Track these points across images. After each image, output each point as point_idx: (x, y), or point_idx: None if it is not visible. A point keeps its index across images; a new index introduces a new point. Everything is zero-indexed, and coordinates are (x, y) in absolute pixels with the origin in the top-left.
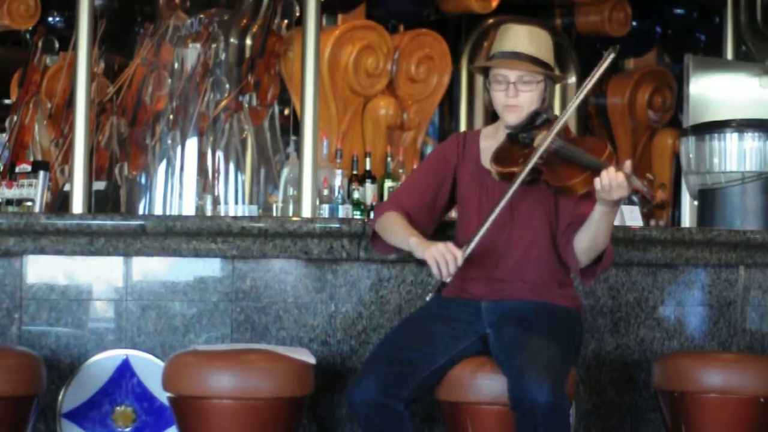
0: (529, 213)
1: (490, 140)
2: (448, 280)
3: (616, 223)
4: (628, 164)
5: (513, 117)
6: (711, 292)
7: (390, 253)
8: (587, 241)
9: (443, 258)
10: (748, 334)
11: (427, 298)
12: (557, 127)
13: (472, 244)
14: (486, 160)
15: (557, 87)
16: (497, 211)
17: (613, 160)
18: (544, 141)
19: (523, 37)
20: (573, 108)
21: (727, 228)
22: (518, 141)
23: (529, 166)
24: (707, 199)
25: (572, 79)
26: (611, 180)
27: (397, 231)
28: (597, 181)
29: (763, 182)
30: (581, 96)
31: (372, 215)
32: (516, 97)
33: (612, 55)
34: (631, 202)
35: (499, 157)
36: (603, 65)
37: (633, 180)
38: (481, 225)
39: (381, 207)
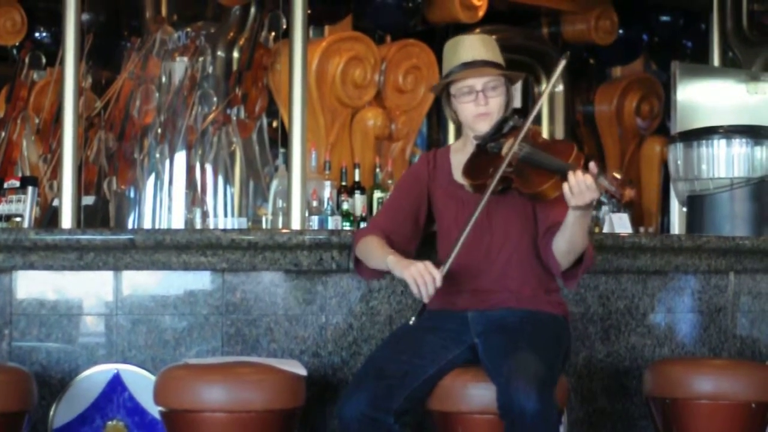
0: (506, 221)
1: (460, 154)
2: (427, 301)
3: (606, 230)
4: (593, 165)
5: (485, 125)
6: (701, 299)
7: (374, 278)
8: (565, 244)
9: (422, 279)
10: (738, 340)
11: (411, 322)
12: (521, 134)
13: (449, 263)
14: (458, 174)
15: (544, 96)
16: (470, 225)
17: (581, 161)
18: (511, 150)
19: (478, 45)
20: (534, 114)
21: (717, 234)
22: (487, 151)
23: (497, 177)
24: (696, 205)
25: (559, 87)
26: (579, 183)
27: (374, 253)
28: (565, 186)
29: (751, 188)
30: (540, 102)
31: (351, 245)
32: (486, 104)
33: (564, 62)
34: (600, 203)
35: (469, 169)
36: (557, 73)
37: (601, 180)
38: (456, 241)
39: (359, 233)
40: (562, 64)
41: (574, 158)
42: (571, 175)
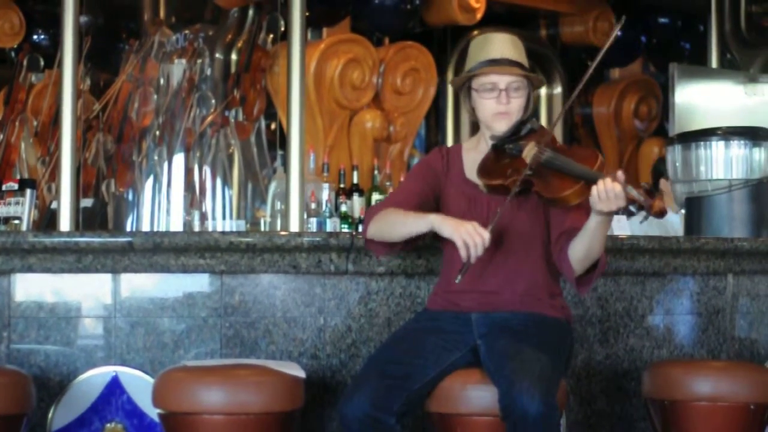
0: (520, 224)
1: (473, 153)
2: (474, 262)
3: None
4: (620, 174)
5: (503, 125)
6: (699, 300)
7: (390, 252)
8: (583, 251)
9: (472, 240)
10: (737, 342)
11: (456, 281)
12: (547, 137)
13: (491, 227)
14: (471, 173)
15: (543, 98)
16: (504, 207)
17: (605, 170)
18: (533, 153)
19: (508, 44)
20: (564, 110)
21: (715, 236)
22: (505, 152)
23: (520, 179)
24: (694, 207)
25: (557, 90)
26: (608, 190)
27: (407, 217)
28: (594, 192)
29: (749, 190)
30: (579, 88)
31: (361, 226)
32: (508, 103)
33: (619, 25)
34: (629, 213)
35: (485, 169)
36: (611, 38)
37: (629, 190)
38: (495, 214)
39: (372, 210)
40: (617, 27)
41: (599, 166)
42: (600, 182)
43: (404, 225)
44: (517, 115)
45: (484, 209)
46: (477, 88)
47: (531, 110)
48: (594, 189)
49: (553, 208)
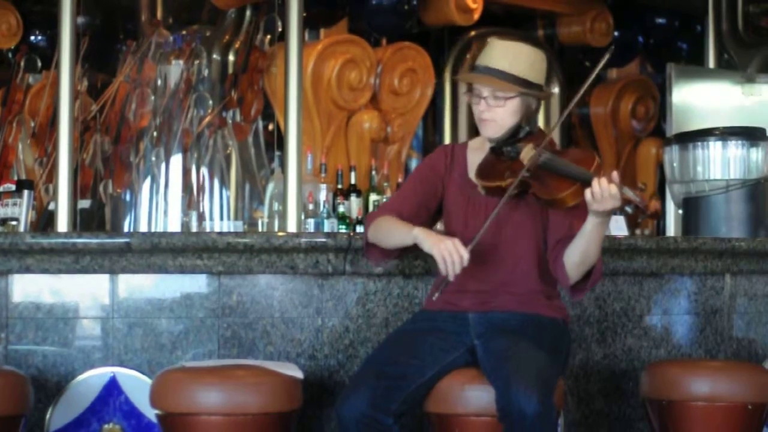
0: (517, 227)
1: (477, 153)
2: (452, 279)
3: None
4: (615, 175)
5: (488, 130)
6: (697, 300)
7: (386, 260)
8: (578, 254)
9: (451, 257)
10: (734, 342)
11: (434, 298)
12: (545, 141)
13: (472, 245)
14: (473, 172)
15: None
16: (490, 219)
17: (601, 171)
18: (531, 155)
19: (499, 53)
20: (565, 116)
21: (712, 236)
22: (503, 154)
23: (517, 180)
24: (692, 207)
25: (555, 90)
26: (603, 191)
27: (395, 229)
28: (588, 193)
29: (747, 190)
30: (575, 100)
31: (363, 227)
32: (488, 111)
33: (607, 56)
34: (624, 213)
35: (483, 171)
36: (599, 66)
37: (625, 190)
38: (480, 228)
39: (373, 214)
40: (606, 57)
41: (596, 168)
42: (595, 182)
43: (393, 236)
44: (504, 122)
45: (482, 210)
46: (468, 92)
47: (528, 115)
48: (588, 190)
49: (551, 212)
